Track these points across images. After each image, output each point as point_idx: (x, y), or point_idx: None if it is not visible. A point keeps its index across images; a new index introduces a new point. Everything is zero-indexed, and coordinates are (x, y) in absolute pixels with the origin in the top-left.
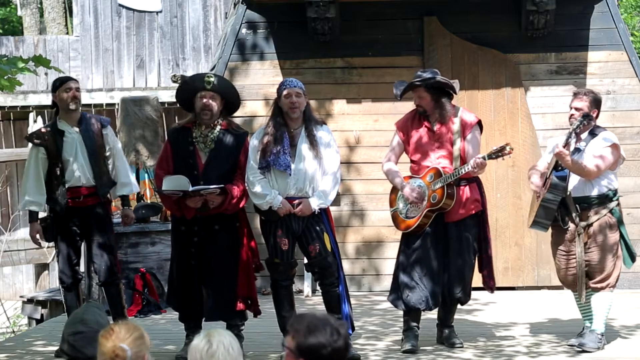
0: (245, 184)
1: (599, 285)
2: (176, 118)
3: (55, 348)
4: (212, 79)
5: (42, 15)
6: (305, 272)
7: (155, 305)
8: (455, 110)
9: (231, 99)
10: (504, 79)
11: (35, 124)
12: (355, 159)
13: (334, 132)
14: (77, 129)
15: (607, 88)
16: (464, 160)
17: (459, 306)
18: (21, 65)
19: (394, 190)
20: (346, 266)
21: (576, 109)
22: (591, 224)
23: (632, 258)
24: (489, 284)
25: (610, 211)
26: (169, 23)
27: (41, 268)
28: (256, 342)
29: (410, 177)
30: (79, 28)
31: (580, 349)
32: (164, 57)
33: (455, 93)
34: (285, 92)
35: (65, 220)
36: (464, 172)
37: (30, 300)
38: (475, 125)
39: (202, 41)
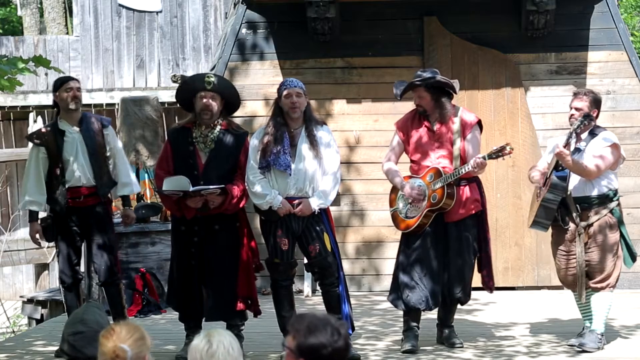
0: (245, 184)
1: (599, 285)
2: (176, 118)
3: (55, 348)
4: (212, 79)
5: (42, 15)
6: (305, 272)
7: (155, 305)
8: (455, 110)
9: (231, 99)
10: (504, 79)
11: (36, 124)
12: (355, 159)
13: (334, 132)
14: (77, 129)
15: (607, 88)
16: (464, 160)
17: (459, 306)
18: (21, 65)
19: (394, 190)
20: (346, 266)
21: (576, 109)
22: (591, 224)
23: (633, 258)
24: (488, 284)
25: (611, 211)
26: (169, 23)
27: (41, 268)
28: (256, 342)
29: (410, 177)
30: (79, 28)
31: (580, 349)
32: (164, 57)
33: (455, 93)
34: (285, 92)
35: (66, 220)
36: (464, 172)
37: (30, 300)
38: (475, 125)
39: (202, 41)
